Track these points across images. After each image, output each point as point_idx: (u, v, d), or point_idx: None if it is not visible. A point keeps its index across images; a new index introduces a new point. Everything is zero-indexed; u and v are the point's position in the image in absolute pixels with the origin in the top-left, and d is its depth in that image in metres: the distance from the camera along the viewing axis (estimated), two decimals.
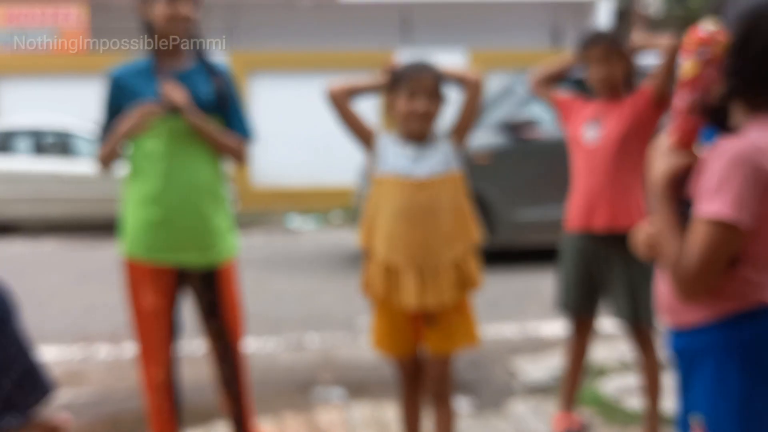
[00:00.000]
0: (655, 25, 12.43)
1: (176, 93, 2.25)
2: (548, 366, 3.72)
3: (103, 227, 10.85)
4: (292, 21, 13.76)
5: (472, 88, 2.21)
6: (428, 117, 2.17)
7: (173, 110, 2.26)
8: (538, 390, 3.42)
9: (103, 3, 13.33)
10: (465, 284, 2.21)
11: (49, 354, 4.08)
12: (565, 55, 2.85)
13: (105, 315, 5.22)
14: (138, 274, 2.38)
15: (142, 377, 2.49)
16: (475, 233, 2.24)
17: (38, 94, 12.43)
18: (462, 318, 2.24)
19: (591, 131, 2.66)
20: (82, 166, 9.86)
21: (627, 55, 2.64)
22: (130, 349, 4.32)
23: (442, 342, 2.22)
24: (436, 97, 2.18)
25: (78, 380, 3.74)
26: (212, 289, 2.48)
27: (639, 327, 2.67)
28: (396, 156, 2.21)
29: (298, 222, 11.09)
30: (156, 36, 2.31)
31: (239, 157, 2.49)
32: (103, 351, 4.29)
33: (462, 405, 3.24)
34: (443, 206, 2.15)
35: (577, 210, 2.70)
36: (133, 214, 2.37)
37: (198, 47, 2.42)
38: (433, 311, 2.18)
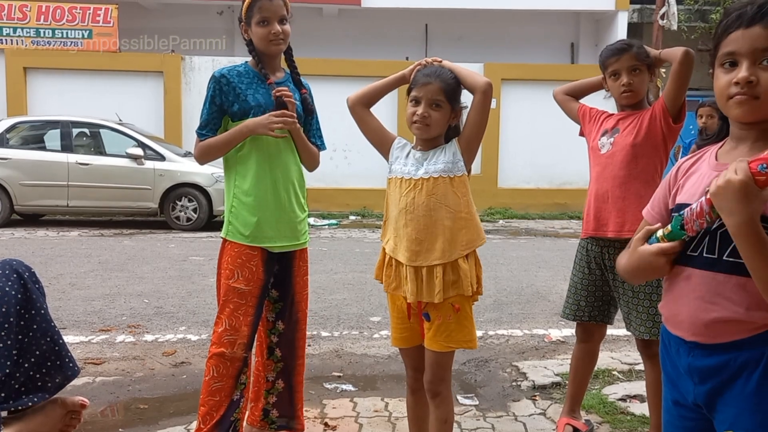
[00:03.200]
0: (675, 37, 12.35)
1: (290, 96, 2.54)
2: (555, 369, 3.76)
3: (126, 219, 11.08)
4: (318, 28, 13.95)
5: (481, 95, 2.23)
6: (426, 124, 2.20)
7: (282, 109, 2.52)
8: (544, 393, 3.46)
9: (133, 4, 13.58)
10: (458, 287, 2.20)
11: (69, 339, 4.21)
12: (596, 78, 2.88)
13: (124, 303, 5.35)
14: (242, 257, 2.54)
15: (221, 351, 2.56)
16: (476, 238, 2.24)
17: (67, 90, 12.68)
18: (459, 320, 2.24)
19: (606, 140, 2.71)
20: (109, 159, 10.11)
21: (651, 68, 2.67)
22: (146, 336, 4.44)
23: (435, 340, 2.25)
24: (438, 106, 2.20)
25: (96, 365, 3.85)
26: (294, 273, 2.70)
27: (649, 339, 2.65)
28: (404, 159, 2.30)
29: (314, 221, 11.18)
30: (256, 50, 2.58)
31: (314, 164, 2.75)
32: (121, 337, 4.40)
33: (467, 405, 3.29)
34: (440, 207, 2.19)
35: (588, 216, 2.75)
36: (241, 203, 2.56)
37: (288, 59, 2.70)
38: (428, 308, 2.23)
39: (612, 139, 2.68)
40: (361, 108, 2.39)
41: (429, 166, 2.22)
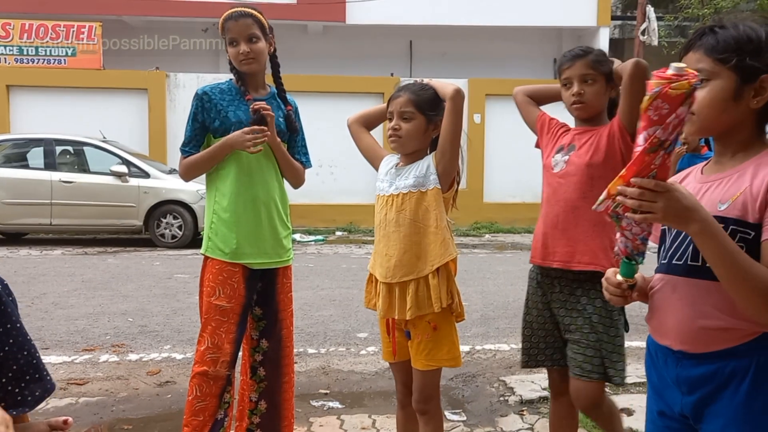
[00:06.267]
0: (655, 52, 12.53)
1: (268, 109, 2.52)
2: (542, 383, 3.75)
3: (110, 236, 10.99)
4: (303, 45, 14.01)
5: (448, 102, 2.21)
6: (398, 136, 2.22)
7: (260, 124, 2.50)
8: (531, 407, 3.45)
9: (117, 21, 13.57)
10: (432, 303, 2.17)
11: (52, 359, 4.15)
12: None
13: (108, 322, 5.29)
14: (223, 274, 2.53)
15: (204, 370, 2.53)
16: (445, 252, 2.20)
17: (50, 107, 12.60)
18: (437, 339, 2.22)
19: (560, 158, 2.39)
20: (93, 177, 10.05)
21: (610, 78, 2.35)
22: (131, 355, 4.39)
23: (417, 359, 2.25)
24: (409, 118, 2.21)
25: (79, 385, 3.79)
26: (277, 290, 2.68)
27: (593, 383, 2.29)
28: (383, 175, 2.32)
29: (300, 237, 11.15)
30: (234, 68, 2.59)
31: (299, 181, 2.74)
32: (105, 357, 4.35)
33: (455, 421, 3.28)
34: (408, 222, 2.20)
35: (536, 242, 2.44)
36: (220, 219, 2.55)
37: (274, 75, 2.70)
38: (407, 325, 2.23)
39: (567, 157, 2.37)
40: (357, 126, 2.47)
41: (399, 182, 2.24)
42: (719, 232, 1.27)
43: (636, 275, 1.42)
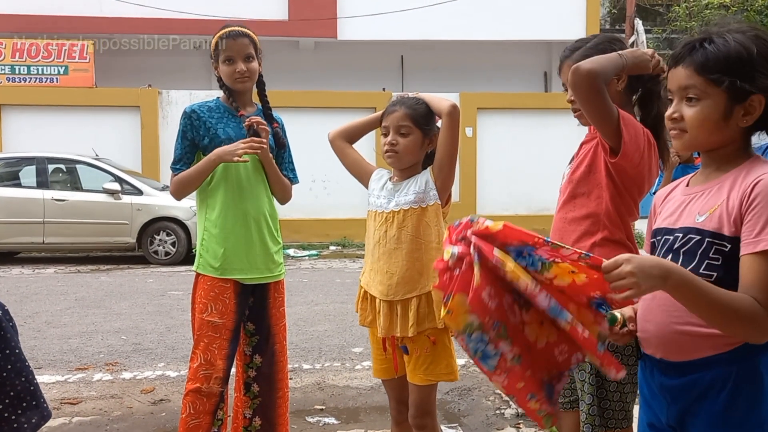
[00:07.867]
0: None
1: (263, 124, 2.54)
2: None
3: (103, 254, 10.93)
4: (294, 61, 14.08)
5: (445, 117, 2.22)
6: (395, 151, 2.23)
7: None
8: (527, 420, 3.44)
9: (110, 39, 13.60)
10: (432, 319, 2.17)
11: (45, 378, 4.12)
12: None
13: (101, 340, 5.26)
14: (215, 290, 2.54)
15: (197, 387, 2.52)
16: None
17: (43, 126, 12.58)
18: (435, 353, 2.21)
19: (567, 168, 2.14)
20: (86, 195, 10.03)
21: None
22: (124, 374, 4.36)
23: (415, 374, 2.24)
24: (405, 133, 2.22)
25: (72, 405, 3.76)
26: (269, 305, 2.67)
27: None
28: (378, 191, 2.31)
29: (294, 252, 11.14)
30: (226, 86, 2.61)
31: (286, 197, 2.75)
32: (98, 376, 4.32)
33: None
34: (410, 239, 2.19)
35: None
36: (211, 235, 2.56)
37: (260, 94, 2.73)
38: (405, 341, 2.22)
39: (568, 170, 2.12)
40: (340, 141, 2.44)
41: (399, 198, 2.23)
42: (693, 276, 1.29)
43: (618, 314, 1.47)
